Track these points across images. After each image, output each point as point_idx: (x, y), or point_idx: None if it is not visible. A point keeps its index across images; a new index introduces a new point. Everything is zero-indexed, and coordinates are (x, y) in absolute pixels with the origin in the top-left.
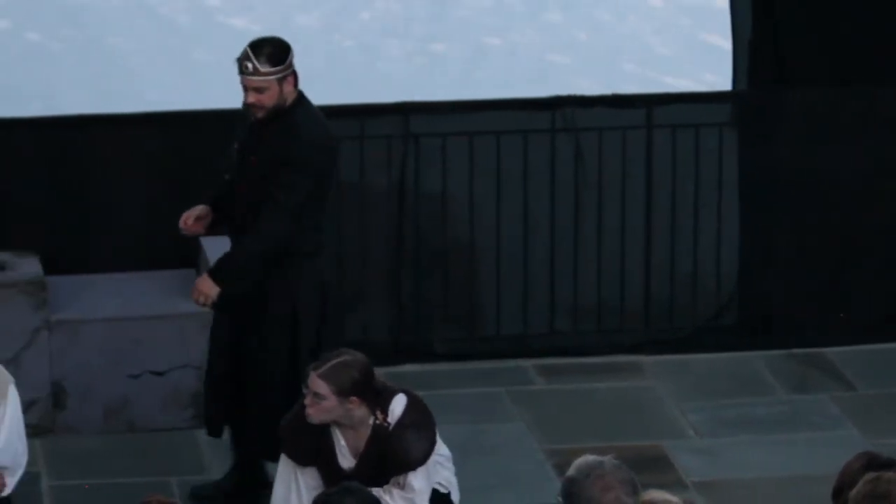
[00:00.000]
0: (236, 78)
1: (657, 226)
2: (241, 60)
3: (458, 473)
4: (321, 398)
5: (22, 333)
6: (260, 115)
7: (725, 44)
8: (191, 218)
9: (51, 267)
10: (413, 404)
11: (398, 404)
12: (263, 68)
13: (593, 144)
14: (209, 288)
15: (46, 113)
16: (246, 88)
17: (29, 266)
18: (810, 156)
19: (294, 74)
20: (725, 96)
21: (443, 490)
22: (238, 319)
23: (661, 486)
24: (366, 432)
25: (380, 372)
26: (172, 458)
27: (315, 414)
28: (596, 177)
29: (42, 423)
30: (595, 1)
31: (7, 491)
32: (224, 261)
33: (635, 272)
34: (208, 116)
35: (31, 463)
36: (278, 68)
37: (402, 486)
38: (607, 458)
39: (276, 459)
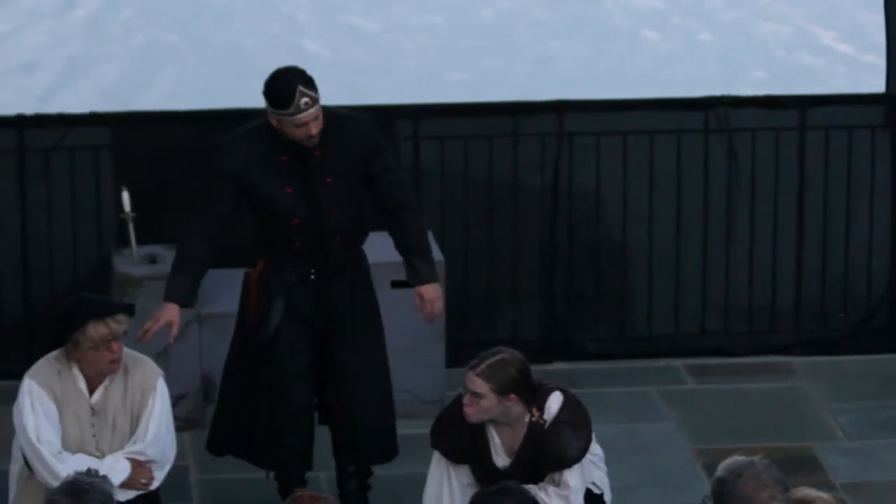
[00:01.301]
0: (392, 74)
1: (809, 227)
2: (295, 100)
3: (608, 472)
4: (480, 397)
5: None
6: (316, 141)
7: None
8: (151, 333)
9: None
10: (569, 402)
11: (555, 402)
12: (316, 94)
13: (746, 145)
14: (438, 290)
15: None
16: (306, 124)
17: None
18: None
19: None
20: (879, 98)
21: (596, 490)
22: (319, 335)
23: None
24: (522, 430)
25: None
26: (322, 452)
27: (474, 413)
28: (749, 177)
29: (191, 417)
30: (726, 5)
31: (155, 484)
32: (426, 259)
33: (787, 273)
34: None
35: (179, 457)
36: (317, 89)
37: (558, 484)
38: (757, 458)
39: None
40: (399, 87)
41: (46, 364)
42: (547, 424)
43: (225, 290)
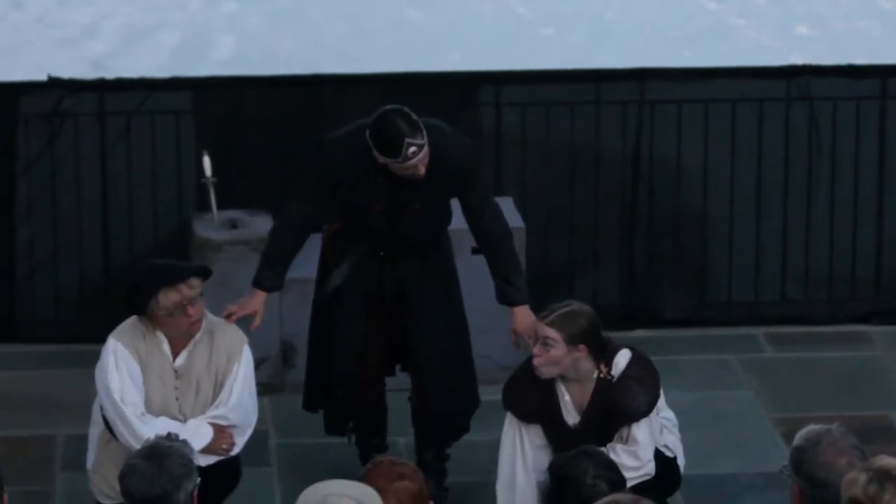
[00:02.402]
0: (468, 40)
1: (889, 196)
2: (403, 150)
3: (686, 439)
4: (550, 346)
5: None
6: (422, 176)
7: None
8: (235, 317)
9: None
10: (638, 359)
11: (623, 358)
12: (423, 140)
13: (827, 114)
14: (530, 316)
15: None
16: (415, 166)
17: (260, 224)
18: None
19: None
20: None
21: (669, 454)
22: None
23: None
24: (591, 387)
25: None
26: (402, 418)
27: (544, 363)
28: (829, 146)
29: (271, 382)
30: None
31: (236, 450)
32: (515, 284)
33: (866, 241)
34: (437, 78)
35: (259, 421)
36: (423, 131)
37: (626, 440)
38: (834, 426)
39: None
40: (481, 53)
41: (132, 325)
42: (615, 380)
43: (304, 254)
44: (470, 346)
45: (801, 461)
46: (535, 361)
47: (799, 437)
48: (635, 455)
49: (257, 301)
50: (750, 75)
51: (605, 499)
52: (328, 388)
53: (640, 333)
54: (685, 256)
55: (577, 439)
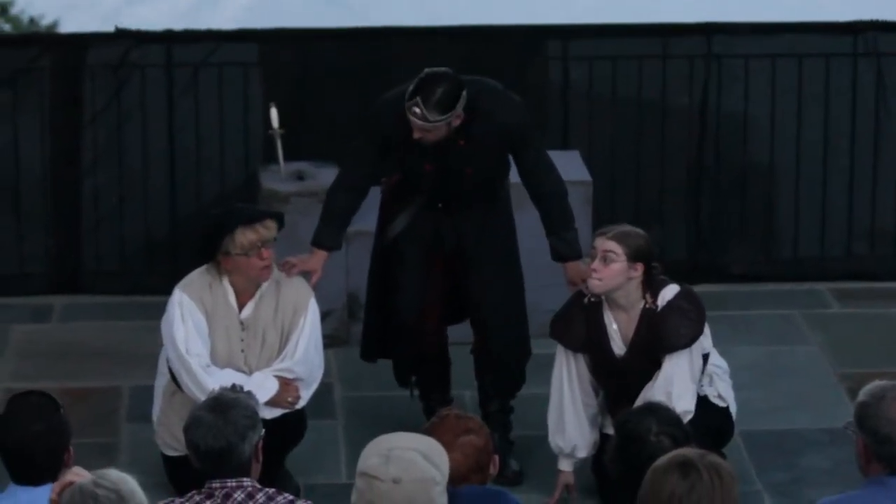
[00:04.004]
0: None
1: None
2: (410, 104)
3: (750, 394)
4: (612, 259)
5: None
6: (418, 139)
7: None
8: (294, 271)
9: None
10: (685, 293)
11: (670, 291)
12: (431, 116)
13: (894, 69)
14: (581, 266)
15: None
16: (415, 126)
17: (327, 176)
18: None
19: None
20: None
21: (721, 403)
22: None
23: None
24: (636, 317)
25: None
26: (468, 371)
27: (602, 276)
28: None
29: (336, 335)
30: None
31: (301, 403)
32: (570, 237)
33: None
34: (505, 32)
35: (324, 374)
36: (446, 115)
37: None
38: None
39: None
40: (549, 6)
41: (198, 277)
42: (659, 309)
43: (371, 208)
44: (524, 296)
45: (866, 416)
46: (593, 276)
47: (863, 393)
48: (664, 391)
49: (316, 260)
50: (817, 30)
51: (673, 452)
52: (391, 339)
53: (706, 288)
54: (751, 211)
55: (623, 369)
